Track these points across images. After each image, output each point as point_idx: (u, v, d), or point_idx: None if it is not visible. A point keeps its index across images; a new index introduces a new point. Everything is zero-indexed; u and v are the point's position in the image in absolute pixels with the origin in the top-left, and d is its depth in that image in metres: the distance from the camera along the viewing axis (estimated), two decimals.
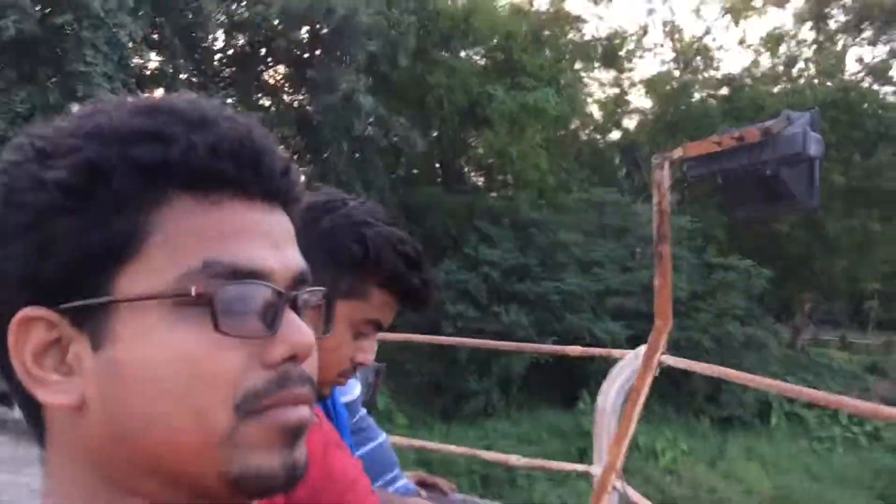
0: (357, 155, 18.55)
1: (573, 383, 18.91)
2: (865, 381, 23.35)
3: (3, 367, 0.52)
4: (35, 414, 0.53)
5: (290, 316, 0.53)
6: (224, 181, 0.51)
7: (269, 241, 0.53)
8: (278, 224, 0.55)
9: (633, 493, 2.90)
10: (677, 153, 3.17)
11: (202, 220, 0.51)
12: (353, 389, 1.82)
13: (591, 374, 17.84)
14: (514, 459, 3.41)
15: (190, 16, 15.81)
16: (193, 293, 0.49)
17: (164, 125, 0.50)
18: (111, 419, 0.50)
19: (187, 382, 0.49)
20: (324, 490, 1.09)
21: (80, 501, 0.52)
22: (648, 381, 2.92)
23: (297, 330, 0.53)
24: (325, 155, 18.76)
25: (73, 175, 0.49)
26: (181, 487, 0.51)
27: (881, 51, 30.14)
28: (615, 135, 31.70)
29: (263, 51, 20.27)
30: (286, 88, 19.70)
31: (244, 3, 18.50)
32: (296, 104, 20.69)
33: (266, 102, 20.94)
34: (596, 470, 3.06)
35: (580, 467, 3.27)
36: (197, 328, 0.49)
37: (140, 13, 14.46)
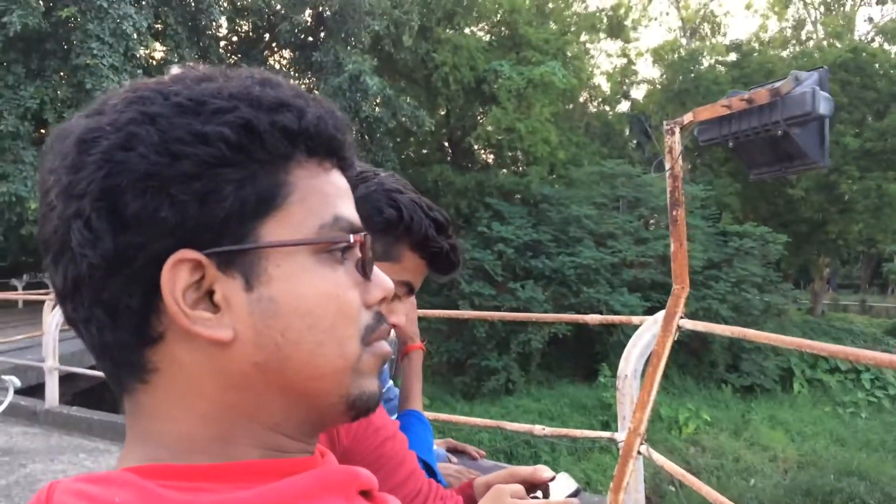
0: (366, 136, 18.54)
1: (592, 357, 18.96)
2: (887, 344, 23.21)
3: (118, 307, 0.53)
4: (139, 357, 0.55)
5: (375, 265, 0.63)
6: (332, 149, 0.60)
7: (350, 201, 0.63)
8: (348, 187, 0.64)
9: (658, 457, 2.91)
10: (688, 118, 3.15)
11: (321, 181, 0.59)
12: None
13: (610, 347, 17.88)
14: (539, 429, 3.42)
15: (193, 4, 15.79)
16: (352, 240, 0.59)
17: (291, 98, 0.58)
18: (260, 350, 0.55)
19: (334, 316, 0.57)
20: (365, 437, 1.15)
21: (203, 432, 0.56)
22: (668, 345, 2.92)
23: (384, 277, 0.64)
24: None
25: (235, 132, 0.54)
26: (305, 409, 0.59)
27: (891, 10, 29.74)
28: (624, 106, 31.57)
29: (267, 36, 20.24)
30: (292, 72, 19.66)
31: None
32: (302, 87, 20.64)
33: None
34: (620, 436, 3.06)
35: (605, 434, 3.27)
36: (332, 270, 0.58)
37: (143, 3, 14.46)
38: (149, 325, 0.54)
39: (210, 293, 0.54)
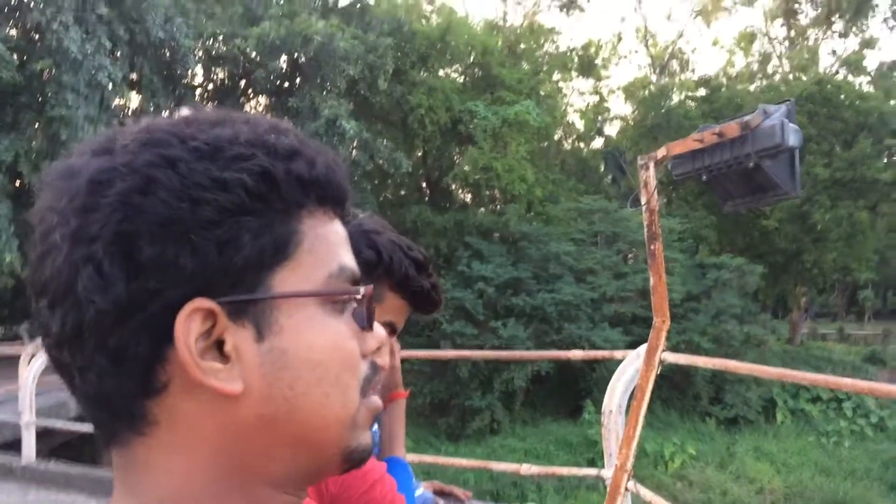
0: None
1: (576, 394, 18.89)
2: (866, 371, 23.40)
3: (123, 356, 0.52)
4: (140, 408, 0.53)
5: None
6: (338, 199, 0.60)
7: (350, 251, 0.62)
8: (347, 236, 0.64)
9: (645, 493, 2.89)
10: (661, 153, 3.20)
11: (327, 230, 0.59)
12: None
13: (593, 383, 17.82)
14: (525, 468, 3.40)
15: (168, 53, 15.86)
16: (362, 294, 0.59)
17: (301, 146, 0.58)
18: (267, 402, 0.54)
19: (339, 367, 0.57)
20: (352, 485, 1.14)
21: (199, 488, 0.54)
22: (652, 378, 2.92)
23: (377, 326, 0.63)
24: None
25: (254, 180, 0.53)
26: (305, 462, 0.58)
27: (853, 42, 30.63)
28: (598, 142, 32.00)
29: (243, 83, 20.35)
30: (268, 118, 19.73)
31: (221, 37, 18.58)
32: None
33: None
34: (607, 473, 3.05)
35: (592, 471, 3.26)
36: (337, 321, 0.58)
37: (118, 54, 14.50)
38: (154, 374, 0.52)
39: (219, 343, 0.53)
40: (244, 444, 0.54)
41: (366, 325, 0.61)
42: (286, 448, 0.56)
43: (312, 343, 0.55)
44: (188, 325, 0.51)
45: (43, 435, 6.60)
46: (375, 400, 0.62)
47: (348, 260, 0.60)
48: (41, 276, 0.53)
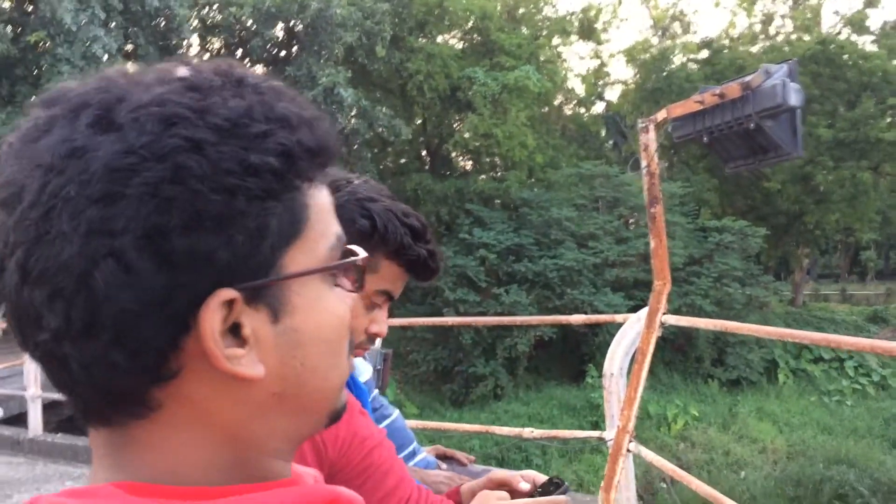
0: (343, 148, 18.52)
1: (579, 358, 19.00)
2: (868, 331, 23.47)
3: (137, 347, 0.49)
4: (143, 395, 0.51)
5: None
6: (328, 164, 0.58)
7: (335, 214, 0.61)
8: None
9: (647, 454, 2.92)
10: (661, 115, 3.18)
11: (323, 199, 0.58)
12: (366, 371, 1.87)
13: (596, 348, 17.92)
14: (528, 432, 3.43)
15: (163, 22, 15.71)
16: (360, 262, 0.60)
17: (301, 110, 0.55)
18: (282, 381, 0.54)
19: (341, 336, 0.58)
20: (351, 448, 1.14)
21: (202, 463, 0.54)
22: (652, 341, 2.93)
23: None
24: None
25: (279, 160, 0.51)
26: (304, 428, 0.59)
27: (856, 1, 30.20)
28: (599, 107, 31.75)
29: (240, 52, 20.16)
30: None
31: (216, 5, 18.38)
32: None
33: None
34: (609, 435, 3.08)
35: (594, 433, 3.28)
36: (338, 291, 0.58)
37: (113, 25, 14.36)
38: (167, 363, 0.50)
39: (235, 327, 0.51)
40: (254, 421, 0.54)
41: (361, 287, 0.61)
42: (290, 419, 0.56)
43: (320, 318, 0.56)
44: (213, 316, 0.49)
45: (49, 408, 6.67)
46: (352, 359, 0.64)
47: (338, 226, 0.60)
48: (35, 265, 0.48)
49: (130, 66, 0.55)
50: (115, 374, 0.49)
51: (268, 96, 0.54)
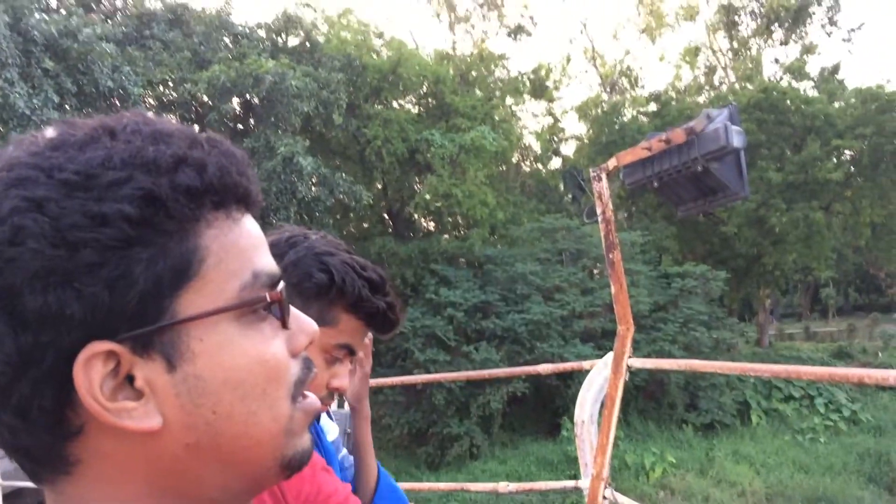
0: (305, 216, 18.55)
1: (553, 412, 18.89)
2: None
3: (27, 407, 0.49)
4: (60, 452, 0.51)
5: (292, 310, 0.59)
6: (241, 198, 0.56)
7: (265, 248, 0.58)
8: (260, 231, 0.59)
9: (623, 500, 2.90)
10: (612, 163, 3.26)
11: (234, 236, 0.54)
12: (332, 430, 1.84)
13: (569, 400, 17.82)
14: (503, 486, 3.39)
15: (117, 103, 15.77)
16: (268, 299, 0.55)
17: (188, 150, 0.52)
18: (191, 431, 0.52)
19: (265, 381, 0.54)
20: None
21: None
22: (620, 386, 2.95)
23: (304, 319, 0.60)
24: (273, 221, 18.69)
25: (136, 206, 0.49)
26: (241, 479, 0.56)
27: (794, 49, 31.48)
28: (556, 162, 32.33)
29: (196, 127, 20.21)
30: None
31: (170, 83, 18.51)
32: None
33: None
34: (584, 483, 3.06)
35: (569, 483, 3.26)
36: (259, 332, 0.55)
37: (67, 107, 14.37)
38: (66, 421, 0.50)
39: (129, 378, 0.50)
40: (175, 472, 0.53)
41: (285, 324, 0.57)
42: (218, 470, 0.54)
43: (231, 363, 0.53)
44: (88, 372, 0.48)
45: (10, 497, 6.41)
46: (312, 401, 0.59)
47: (263, 262, 0.56)
48: None
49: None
50: (17, 436, 0.50)
51: (139, 143, 0.52)
